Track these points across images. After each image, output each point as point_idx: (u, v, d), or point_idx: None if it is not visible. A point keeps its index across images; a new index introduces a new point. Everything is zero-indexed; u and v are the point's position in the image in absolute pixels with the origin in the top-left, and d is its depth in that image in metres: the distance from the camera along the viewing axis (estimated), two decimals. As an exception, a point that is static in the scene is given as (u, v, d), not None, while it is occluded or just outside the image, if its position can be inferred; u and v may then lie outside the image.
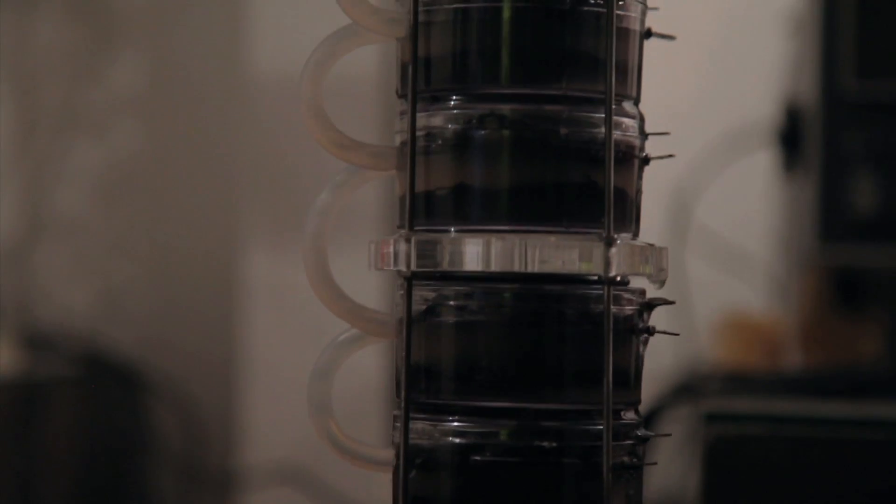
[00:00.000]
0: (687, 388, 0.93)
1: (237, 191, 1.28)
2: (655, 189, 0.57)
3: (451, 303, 0.48)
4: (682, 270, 1.17)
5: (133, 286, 1.36)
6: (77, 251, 1.36)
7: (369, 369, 1.17)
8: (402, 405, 0.48)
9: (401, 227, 0.49)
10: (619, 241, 0.47)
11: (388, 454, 0.49)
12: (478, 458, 0.47)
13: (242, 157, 1.26)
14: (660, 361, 1.09)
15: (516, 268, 0.47)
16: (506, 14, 0.48)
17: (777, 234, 1.26)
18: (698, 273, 1.22)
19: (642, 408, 0.50)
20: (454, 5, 0.48)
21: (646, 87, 0.51)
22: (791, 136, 1.09)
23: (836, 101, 1.00)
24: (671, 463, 0.99)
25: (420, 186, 0.48)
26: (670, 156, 0.50)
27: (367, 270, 0.51)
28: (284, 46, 1.21)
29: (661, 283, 0.50)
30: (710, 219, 1.25)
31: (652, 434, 0.50)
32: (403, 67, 0.49)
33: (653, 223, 0.55)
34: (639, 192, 0.50)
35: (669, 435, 0.52)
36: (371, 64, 1.18)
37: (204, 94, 1.37)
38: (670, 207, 1.23)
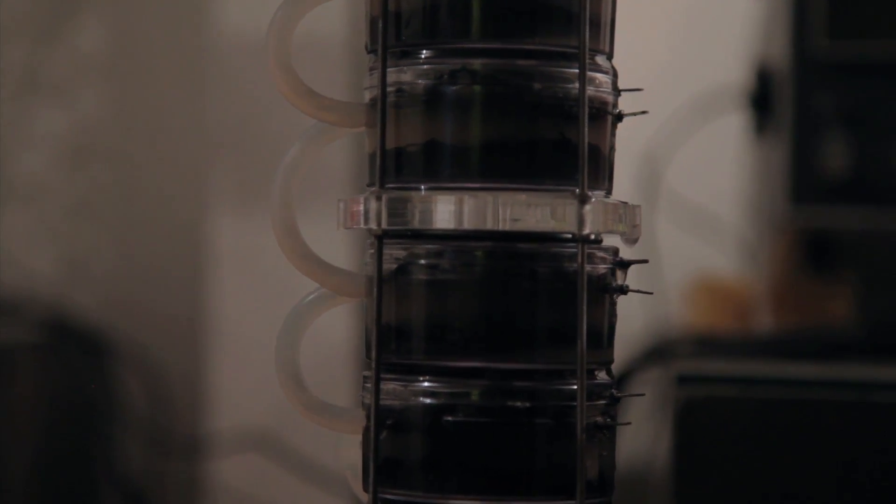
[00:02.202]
0: (658, 351, 0.93)
1: (204, 153, 1.27)
2: (625, 154, 0.57)
3: (423, 261, 0.47)
4: (653, 235, 1.17)
5: (98, 251, 1.34)
6: (41, 215, 1.35)
7: (338, 332, 1.16)
8: (373, 365, 0.47)
9: (371, 185, 0.48)
10: (592, 199, 0.47)
11: (359, 415, 0.48)
12: (449, 418, 0.46)
13: (209, 118, 1.25)
14: (631, 325, 1.09)
15: (488, 226, 0.46)
16: (477, -33, 0.47)
17: (748, 197, 1.26)
18: (669, 237, 1.22)
19: (614, 371, 0.50)
20: (424, -42, 0.47)
21: (615, 53, 0.50)
22: (762, 99, 1.08)
23: (807, 62, 1.00)
24: (643, 425, 0.99)
25: (390, 143, 0.48)
26: (644, 112, 0.50)
27: (338, 232, 0.50)
28: (251, 5, 1.19)
29: (634, 242, 0.49)
30: (680, 183, 1.24)
31: (625, 394, 0.49)
32: (373, 22, 0.48)
33: (623, 188, 0.54)
34: (612, 149, 0.49)
35: (643, 395, 0.52)
36: (341, 20, 1.17)
37: (169, 55, 1.35)
38: (640, 172, 1.22)
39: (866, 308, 1.04)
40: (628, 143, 0.59)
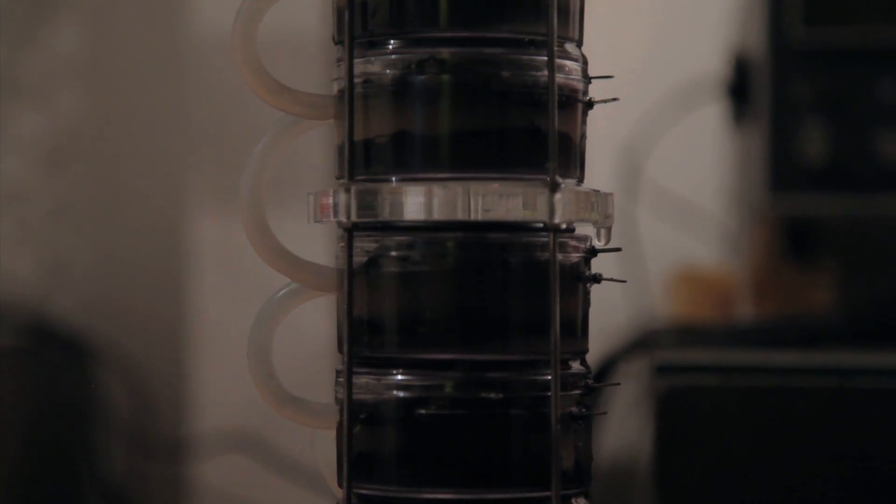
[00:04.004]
0: (640, 342, 0.93)
1: (182, 154, 1.26)
2: (605, 146, 0.56)
3: (393, 254, 0.47)
4: (634, 226, 1.17)
5: (79, 254, 1.34)
6: (20, 218, 1.34)
7: (319, 329, 1.15)
8: (345, 359, 0.47)
9: (340, 177, 0.48)
10: (563, 187, 0.46)
11: (332, 410, 0.48)
12: (423, 411, 0.46)
13: (187, 118, 1.24)
14: (613, 316, 1.09)
15: (459, 216, 0.46)
16: (442, -46, 0.46)
17: (728, 187, 1.26)
18: (650, 229, 1.22)
19: (597, 362, 0.49)
20: (389, -54, 0.47)
21: (591, 46, 0.49)
22: (740, 88, 1.08)
23: (783, 50, 1.00)
24: (627, 417, 0.98)
25: (359, 135, 0.47)
26: (615, 99, 0.49)
27: (317, 226, 0.50)
28: (227, 4, 1.19)
29: (608, 230, 0.49)
30: (660, 173, 1.24)
31: (600, 384, 0.49)
32: (339, 12, 0.48)
33: (604, 180, 0.54)
34: (583, 136, 0.49)
35: (618, 384, 0.52)
36: (314, 13, 1.16)
37: (146, 55, 1.35)
38: (620, 163, 1.22)
39: (847, 295, 1.04)
40: (608, 134, 0.59)
